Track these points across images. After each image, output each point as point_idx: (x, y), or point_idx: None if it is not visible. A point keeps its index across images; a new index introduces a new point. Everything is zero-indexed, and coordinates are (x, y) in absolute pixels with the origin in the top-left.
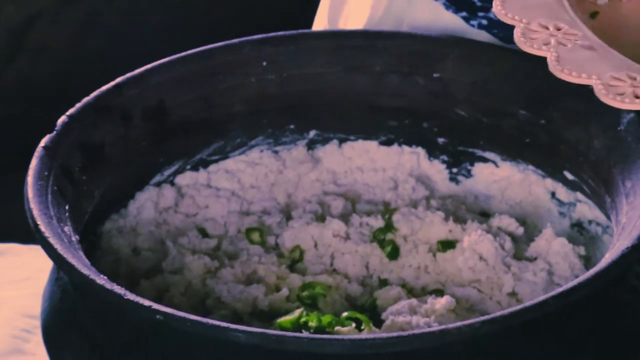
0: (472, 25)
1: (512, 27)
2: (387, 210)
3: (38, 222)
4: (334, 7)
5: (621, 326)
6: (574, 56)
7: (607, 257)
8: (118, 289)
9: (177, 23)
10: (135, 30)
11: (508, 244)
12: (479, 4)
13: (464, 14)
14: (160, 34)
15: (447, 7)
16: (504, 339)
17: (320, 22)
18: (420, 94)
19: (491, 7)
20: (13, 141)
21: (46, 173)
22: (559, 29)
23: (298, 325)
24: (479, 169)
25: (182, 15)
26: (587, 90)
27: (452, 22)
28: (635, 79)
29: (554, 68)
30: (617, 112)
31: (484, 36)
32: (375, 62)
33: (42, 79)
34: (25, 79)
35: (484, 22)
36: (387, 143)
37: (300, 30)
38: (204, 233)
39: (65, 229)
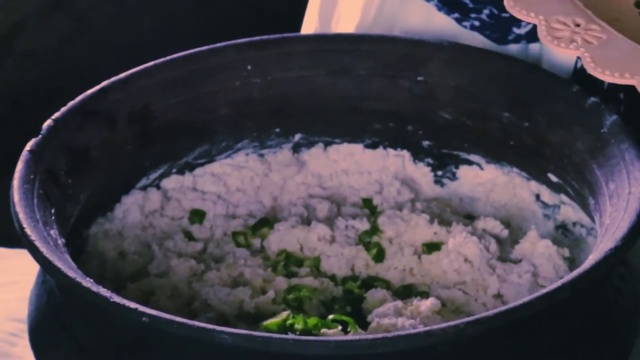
0: (465, 27)
1: (504, 29)
2: (373, 213)
3: (24, 226)
4: (324, 10)
5: (605, 327)
6: (606, 54)
7: (591, 259)
8: (104, 292)
9: (165, 27)
10: (123, 35)
11: (493, 246)
12: (471, 5)
13: (456, 15)
14: (148, 38)
15: (440, 9)
16: (488, 340)
17: (310, 25)
18: (405, 97)
19: (483, 8)
20: (1, 146)
21: (32, 177)
22: (577, 25)
23: (284, 328)
24: (463, 171)
25: (170, 19)
26: (570, 92)
27: (444, 24)
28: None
29: (592, 69)
30: (600, 114)
31: (476, 37)
32: (359, 65)
33: (31, 83)
34: (13, 84)
35: (477, 23)
36: (372, 146)
37: (284, 34)
38: (189, 236)
39: (51, 232)
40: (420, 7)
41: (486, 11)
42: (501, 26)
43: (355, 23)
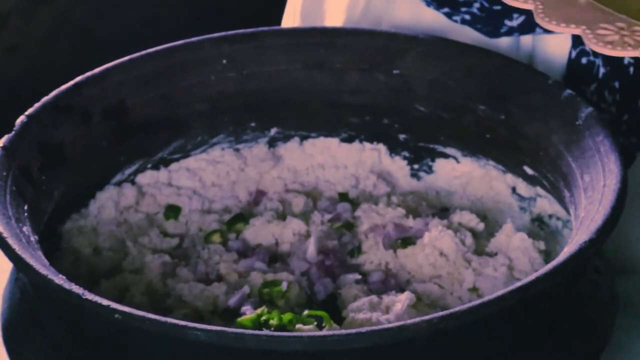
0: (455, 21)
1: (495, 22)
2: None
3: None
4: (307, 9)
5: (580, 320)
6: (560, 9)
7: (566, 251)
8: (76, 289)
9: (149, 22)
10: (106, 29)
11: (469, 240)
12: None
13: (446, 9)
14: (131, 33)
15: (429, 4)
16: (462, 334)
17: (289, 24)
18: (381, 91)
19: (474, 1)
20: None
21: (4, 173)
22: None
23: (259, 324)
24: (440, 164)
25: (153, 13)
26: (545, 85)
27: (433, 19)
28: (623, 28)
29: (541, 20)
30: (576, 107)
31: (467, 31)
32: (335, 59)
33: (14, 78)
34: None
35: (467, 17)
36: (348, 140)
37: (259, 28)
38: (165, 232)
39: (24, 229)
40: (409, 2)
41: (477, 4)
42: (493, 19)
43: (342, 20)
